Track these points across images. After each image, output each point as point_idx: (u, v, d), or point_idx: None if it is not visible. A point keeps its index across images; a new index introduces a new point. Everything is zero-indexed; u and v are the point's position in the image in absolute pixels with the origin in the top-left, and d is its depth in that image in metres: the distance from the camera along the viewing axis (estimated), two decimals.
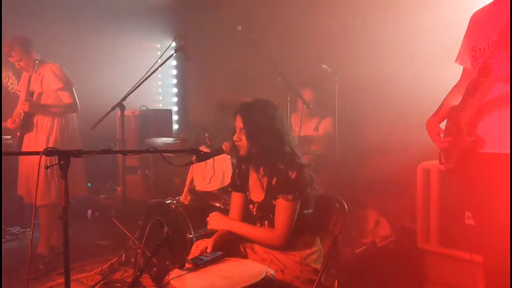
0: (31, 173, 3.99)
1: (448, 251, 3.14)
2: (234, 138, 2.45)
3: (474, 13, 2.37)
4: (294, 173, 2.31)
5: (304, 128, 3.97)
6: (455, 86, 2.49)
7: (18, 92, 4.29)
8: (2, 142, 4.55)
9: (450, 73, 2.57)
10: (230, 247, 2.43)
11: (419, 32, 3.80)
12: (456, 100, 2.36)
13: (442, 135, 2.36)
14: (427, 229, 3.27)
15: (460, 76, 2.49)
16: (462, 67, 2.47)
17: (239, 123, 2.43)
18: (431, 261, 3.27)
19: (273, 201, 2.36)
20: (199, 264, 2.13)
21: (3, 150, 4.19)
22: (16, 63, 4.02)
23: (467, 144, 2.16)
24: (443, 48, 3.48)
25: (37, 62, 3.99)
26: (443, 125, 2.43)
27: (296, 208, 2.32)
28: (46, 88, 4.02)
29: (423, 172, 3.29)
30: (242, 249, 2.43)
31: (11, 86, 4.93)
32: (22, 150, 4.06)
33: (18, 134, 4.07)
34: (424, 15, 3.75)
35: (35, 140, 4.03)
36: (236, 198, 2.61)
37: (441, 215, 3.20)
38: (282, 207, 2.32)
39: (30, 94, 3.94)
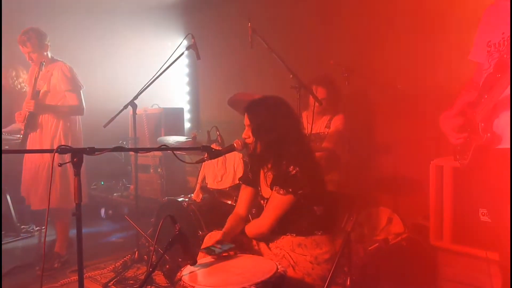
0: (33, 175, 3.96)
1: (462, 248, 3.11)
2: (243, 135, 2.47)
3: (488, 7, 2.34)
4: (295, 170, 2.30)
5: (315, 125, 3.95)
6: (469, 82, 2.46)
7: (27, 87, 4.26)
8: (12, 141, 4.54)
9: (464, 68, 2.54)
10: (243, 242, 2.45)
11: (432, 27, 3.76)
12: (471, 96, 2.33)
13: (456, 131, 2.34)
14: (441, 226, 3.24)
15: (474, 71, 2.46)
16: (476, 63, 2.44)
17: (246, 120, 2.47)
18: (445, 258, 3.23)
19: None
20: (211, 253, 2.15)
21: (15, 148, 4.17)
22: (27, 54, 3.97)
23: (483, 141, 2.14)
24: (456, 43, 3.45)
25: (47, 54, 3.94)
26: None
27: (285, 204, 2.33)
28: (53, 88, 4.00)
29: (436, 168, 3.26)
30: (254, 243, 2.45)
31: (18, 86, 4.92)
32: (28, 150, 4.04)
33: (22, 132, 4.04)
34: (439, 11, 3.71)
35: (39, 141, 4.00)
36: (245, 192, 2.65)
37: (454, 212, 3.16)
38: (272, 198, 2.36)
39: (37, 93, 3.91)
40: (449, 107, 2.43)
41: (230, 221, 2.54)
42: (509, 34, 2.07)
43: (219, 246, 2.24)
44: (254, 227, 2.46)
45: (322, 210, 2.41)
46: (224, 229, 2.46)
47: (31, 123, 3.96)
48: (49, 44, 4.02)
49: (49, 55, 4.04)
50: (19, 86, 5.12)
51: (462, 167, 2.37)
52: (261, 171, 2.54)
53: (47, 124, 4.01)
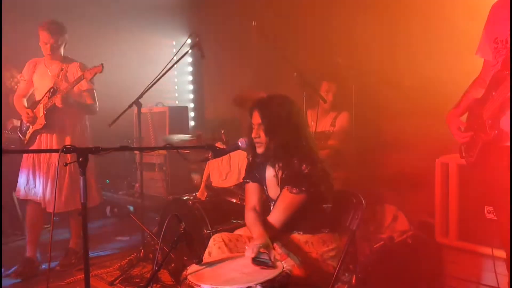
0: (52, 178, 3.81)
1: (467, 245, 3.10)
2: (253, 135, 2.42)
3: (494, 3, 2.33)
4: (308, 168, 2.30)
5: (320, 123, 3.95)
6: (476, 79, 2.45)
7: (24, 80, 4.06)
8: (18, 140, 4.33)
9: (471, 66, 2.53)
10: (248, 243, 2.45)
11: (438, 24, 3.74)
12: (478, 93, 2.33)
13: (462, 128, 2.33)
14: (446, 224, 3.24)
15: (481, 68, 2.45)
16: (483, 59, 2.43)
17: (256, 118, 2.42)
18: (450, 256, 3.23)
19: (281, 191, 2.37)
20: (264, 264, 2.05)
21: (21, 147, 4.01)
22: (49, 45, 3.82)
23: (490, 138, 2.13)
24: (463, 40, 3.43)
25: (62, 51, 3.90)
26: (463, 118, 2.40)
27: (297, 203, 2.31)
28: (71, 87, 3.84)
29: (442, 166, 3.25)
30: None
31: (16, 86, 4.69)
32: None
33: (30, 132, 3.92)
34: (444, 7, 3.69)
35: (56, 141, 3.91)
36: (254, 188, 2.57)
37: (460, 209, 3.15)
38: (283, 196, 2.33)
39: (54, 91, 3.80)
40: (456, 105, 2.42)
41: (256, 220, 2.39)
42: None
43: (265, 257, 2.08)
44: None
45: (330, 208, 2.40)
46: (260, 232, 2.28)
47: (49, 122, 3.85)
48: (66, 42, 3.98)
49: (62, 53, 3.99)
50: (15, 87, 4.95)
51: (468, 164, 2.37)
52: (267, 171, 2.53)
53: (65, 123, 3.94)
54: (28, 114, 3.90)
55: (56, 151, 1.95)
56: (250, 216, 2.45)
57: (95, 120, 4.19)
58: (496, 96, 2.10)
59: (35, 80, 4.02)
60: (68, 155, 1.96)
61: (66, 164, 2.03)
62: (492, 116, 2.13)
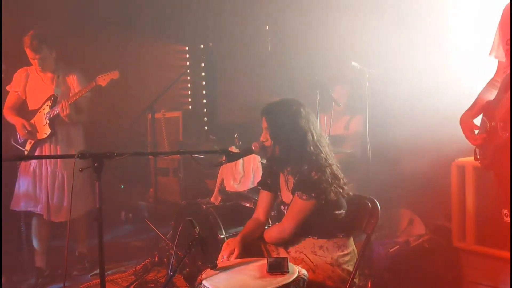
0: (51, 187, 3.75)
1: (485, 249, 3.06)
2: (261, 138, 2.46)
3: (507, 5, 2.30)
4: (317, 175, 2.28)
5: (334, 127, 3.94)
6: (490, 81, 2.43)
7: (16, 92, 3.84)
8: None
9: (485, 67, 2.50)
10: (262, 248, 2.44)
11: (453, 26, 3.71)
12: (491, 95, 2.30)
13: (476, 131, 2.31)
14: (463, 227, 3.20)
15: (495, 70, 2.42)
16: (497, 61, 2.40)
17: (264, 123, 2.45)
18: (468, 260, 3.19)
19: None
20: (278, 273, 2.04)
21: (31, 153, 3.79)
22: (40, 60, 3.64)
23: (502, 140, 2.11)
24: (477, 42, 3.40)
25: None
26: (477, 120, 2.37)
27: (307, 209, 2.30)
28: (65, 95, 3.74)
29: (458, 169, 3.22)
30: (274, 248, 2.44)
31: None
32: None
33: (31, 142, 3.77)
34: (458, 9, 3.66)
35: (63, 149, 3.79)
36: (264, 197, 2.62)
37: (477, 213, 3.11)
38: (294, 203, 2.34)
39: (55, 98, 3.69)
40: (470, 107, 2.39)
41: (248, 226, 2.53)
42: None
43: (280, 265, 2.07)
44: (275, 232, 2.43)
45: (343, 213, 2.39)
46: (241, 233, 2.44)
47: (54, 131, 3.73)
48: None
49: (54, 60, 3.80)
50: None
51: (482, 167, 2.34)
52: (281, 175, 2.53)
53: (70, 132, 3.84)
54: (24, 127, 3.71)
55: (71, 156, 1.97)
56: (248, 223, 2.56)
57: (110, 125, 4.22)
58: (507, 98, 2.08)
59: (28, 90, 3.83)
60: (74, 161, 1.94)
61: (82, 170, 2.04)
62: (503, 118, 2.11)
